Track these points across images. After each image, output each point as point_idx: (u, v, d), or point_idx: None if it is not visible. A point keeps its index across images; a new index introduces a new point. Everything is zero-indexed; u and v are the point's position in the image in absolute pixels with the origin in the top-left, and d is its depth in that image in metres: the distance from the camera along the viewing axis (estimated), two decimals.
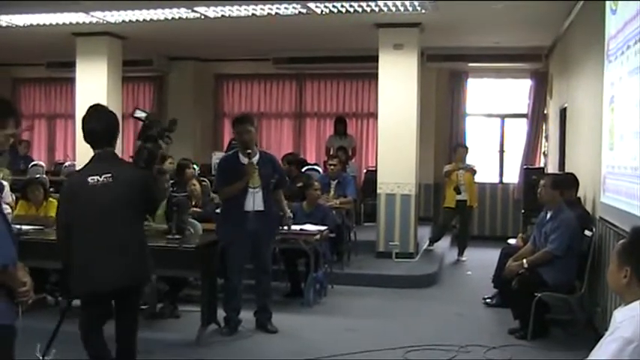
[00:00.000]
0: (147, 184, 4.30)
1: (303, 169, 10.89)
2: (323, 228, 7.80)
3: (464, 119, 12.84)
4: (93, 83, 10.49)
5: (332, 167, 9.68)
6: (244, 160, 6.28)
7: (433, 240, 10.54)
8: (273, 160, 6.61)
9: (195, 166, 10.91)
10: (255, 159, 6.30)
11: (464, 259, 10.48)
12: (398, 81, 9.59)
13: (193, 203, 8.15)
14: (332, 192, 9.49)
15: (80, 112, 10.16)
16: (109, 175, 4.14)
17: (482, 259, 9.78)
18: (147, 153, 4.76)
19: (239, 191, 6.19)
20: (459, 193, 10.12)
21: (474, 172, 10.24)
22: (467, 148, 10.54)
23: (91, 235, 4.10)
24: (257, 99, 13.76)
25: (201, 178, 9.47)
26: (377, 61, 9.68)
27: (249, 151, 6.27)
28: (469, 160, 10.46)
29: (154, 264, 4.40)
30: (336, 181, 9.61)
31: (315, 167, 11.50)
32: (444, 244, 10.80)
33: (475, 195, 10.51)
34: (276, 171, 6.51)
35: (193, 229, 7.04)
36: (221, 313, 6.44)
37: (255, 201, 6.23)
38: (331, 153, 11.23)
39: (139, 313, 4.56)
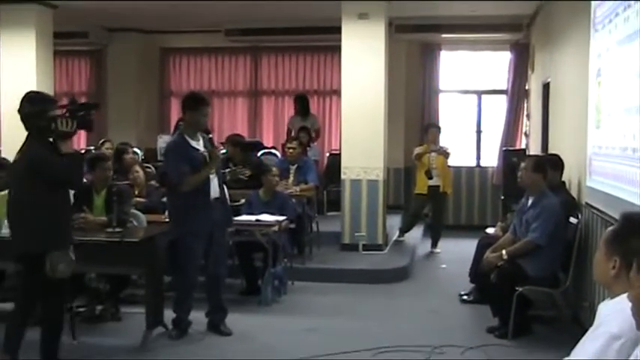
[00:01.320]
0: (33, 161, 4.94)
1: (259, 153, 10.86)
2: (282, 218, 7.80)
3: (437, 96, 12.92)
4: (19, 58, 10.24)
5: (291, 151, 9.65)
6: (194, 144, 6.28)
7: (404, 230, 10.59)
8: (211, 140, 6.61)
9: (137, 150, 10.82)
10: (201, 142, 6.34)
11: (437, 250, 10.56)
12: (363, 54, 9.58)
13: (136, 192, 8.09)
14: (291, 178, 9.47)
15: (5, 91, 10.08)
16: (19, 154, 5.07)
17: (458, 251, 9.86)
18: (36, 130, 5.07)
19: (204, 179, 6.23)
20: (430, 178, 10.14)
21: (447, 154, 10.27)
22: (439, 129, 10.60)
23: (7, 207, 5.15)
24: (207, 75, 13.71)
25: (145, 165, 9.39)
26: (340, 33, 9.66)
27: (211, 135, 6.44)
28: (442, 141, 10.50)
29: (54, 241, 4.94)
30: (296, 165, 9.58)
31: (273, 151, 11.47)
32: (415, 234, 10.85)
33: (449, 180, 10.57)
34: None
35: (136, 220, 7.01)
36: (168, 315, 6.39)
37: (213, 187, 6.31)
38: (292, 135, 11.21)
39: (61, 311, 5.19)
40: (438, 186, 10.25)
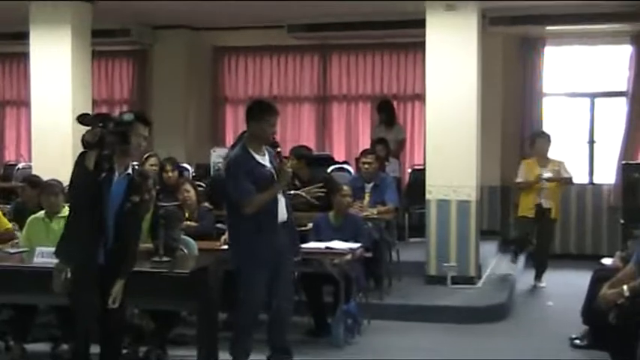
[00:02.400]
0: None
1: (329, 169, 10.92)
2: (355, 245, 7.81)
3: (540, 100, 12.78)
4: (53, 60, 10.50)
5: (366, 166, 9.65)
6: (259, 158, 6.36)
7: (517, 250, 10.39)
8: (278, 155, 6.66)
9: (187, 166, 10.97)
10: (267, 157, 6.42)
11: (542, 284, 10.41)
12: (451, 52, 9.59)
13: (186, 215, 8.18)
14: (367, 198, 9.49)
15: (36, 96, 10.35)
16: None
17: (567, 285, 9.76)
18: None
19: (272, 199, 6.31)
20: (539, 198, 9.96)
21: (567, 180, 10.10)
22: (549, 138, 10.32)
23: None
24: (268, 78, 13.84)
25: (197, 183, 9.50)
26: (424, 27, 9.68)
27: (279, 149, 6.53)
28: (553, 154, 10.29)
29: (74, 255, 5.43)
30: (373, 183, 9.60)
31: (345, 166, 11.51)
32: (514, 265, 10.72)
33: (559, 203, 10.37)
34: None
35: (187, 248, 7.09)
36: (223, 358, 6.43)
37: (281, 210, 6.39)
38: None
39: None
40: (548, 209, 10.08)
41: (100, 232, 5.41)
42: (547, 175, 9.97)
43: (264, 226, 6.26)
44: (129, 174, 5.55)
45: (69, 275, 5.37)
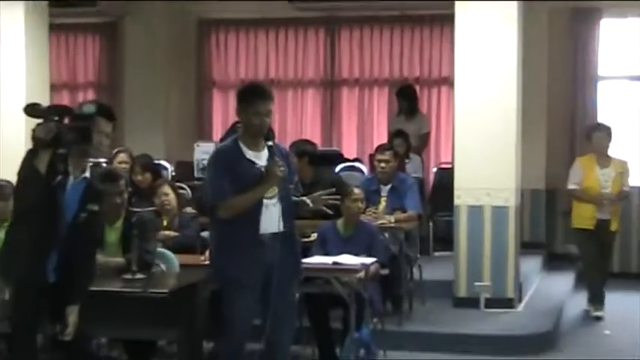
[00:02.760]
0: None
1: (337, 168, 10.98)
2: (369, 261, 7.80)
3: (594, 85, 12.82)
4: (1, 35, 10.50)
5: (383, 165, 9.65)
6: (252, 155, 6.33)
7: (596, 299, 10.17)
8: (288, 155, 6.66)
9: (165, 164, 10.99)
10: (265, 153, 6.36)
11: (599, 314, 10.11)
12: (486, 27, 9.58)
13: (165, 223, 8.24)
14: (383, 203, 9.52)
15: None
16: None
17: (628, 310, 9.76)
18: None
19: (252, 204, 6.26)
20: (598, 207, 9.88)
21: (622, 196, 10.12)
22: (609, 132, 10.24)
23: None
24: (264, 58, 13.88)
25: (178, 185, 9.55)
26: None
27: (270, 143, 6.36)
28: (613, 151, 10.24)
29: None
30: (390, 185, 9.62)
31: (356, 165, 11.56)
32: (563, 284, 10.76)
33: (619, 212, 10.31)
34: (292, 173, 6.60)
35: (165, 263, 7.15)
36: None
37: (271, 218, 6.30)
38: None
39: None
40: (607, 220, 10.01)
41: (50, 246, 5.38)
42: (608, 190, 9.85)
43: (243, 238, 6.21)
44: (86, 178, 5.52)
45: (7, 297, 5.30)
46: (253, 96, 6.34)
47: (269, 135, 6.43)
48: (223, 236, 6.28)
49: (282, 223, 6.31)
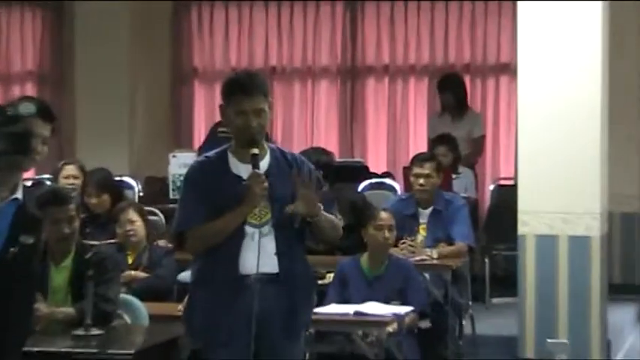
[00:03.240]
0: None
1: (361, 186, 10.94)
2: (404, 310, 7.80)
3: None
4: None
5: (421, 181, 9.69)
6: (243, 169, 6.21)
7: None
8: (299, 161, 6.51)
9: (130, 181, 10.96)
10: (265, 163, 6.27)
11: None
12: (556, 4, 9.52)
13: (130, 260, 8.26)
14: (422, 233, 9.54)
15: None
16: None
17: None
18: None
19: (230, 233, 6.15)
20: None
21: None
22: None
23: None
24: (263, 40, 13.99)
25: (147, 209, 9.51)
26: None
27: (255, 151, 6.19)
28: None
29: None
30: (431, 209, 9.68)
31: (387, 181, 11.52)
32: None
33: None
34: (313, 185, 6.43)
35: (129, 313, 7.11)
36: None
37: (260, 253, 6.13)
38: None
39: None
40: None
41: None
42: None
43: (219, 280, 6.15)
44: (16, 199, 5.35)
45: None
46: (234, 90, 6.24)
47: (254, 140, 6.20)
48: (198, 277, 6.26)
49: (276, 261, 6.19)
